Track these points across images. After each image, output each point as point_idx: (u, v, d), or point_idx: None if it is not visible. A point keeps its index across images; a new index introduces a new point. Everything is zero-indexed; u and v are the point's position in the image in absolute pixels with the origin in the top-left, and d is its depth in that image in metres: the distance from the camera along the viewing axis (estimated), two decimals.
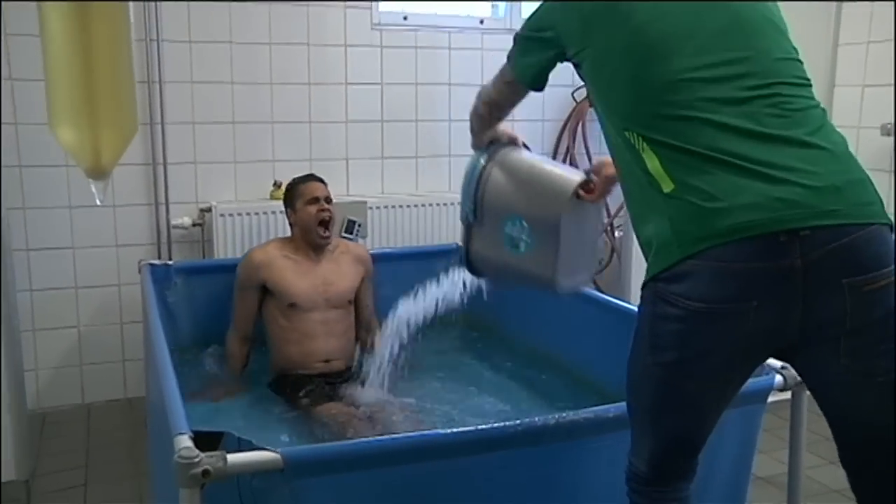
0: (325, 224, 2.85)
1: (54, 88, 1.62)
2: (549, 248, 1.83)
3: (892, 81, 3.09)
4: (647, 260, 1.44)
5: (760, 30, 1.46)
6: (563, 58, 1.64)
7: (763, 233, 1.27)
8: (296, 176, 2.98)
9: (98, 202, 1.75)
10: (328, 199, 2.88)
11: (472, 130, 2.08)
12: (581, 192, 1.90)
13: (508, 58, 1.79)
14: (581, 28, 1.53)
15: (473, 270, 2.06)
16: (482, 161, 2.00)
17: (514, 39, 1.77)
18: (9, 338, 2.41)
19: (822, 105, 1.49)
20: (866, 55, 3.29)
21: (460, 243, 3.51)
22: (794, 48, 1.52)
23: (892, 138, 3.15)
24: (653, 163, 1.38)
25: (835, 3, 3.33)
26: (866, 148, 3.29)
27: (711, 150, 1.33)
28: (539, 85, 1.78)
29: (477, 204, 1.95)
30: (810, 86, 1.48)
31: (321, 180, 2.95)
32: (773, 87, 1.39)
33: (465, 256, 2.02)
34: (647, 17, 1.43)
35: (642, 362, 1.43)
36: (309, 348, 2.82)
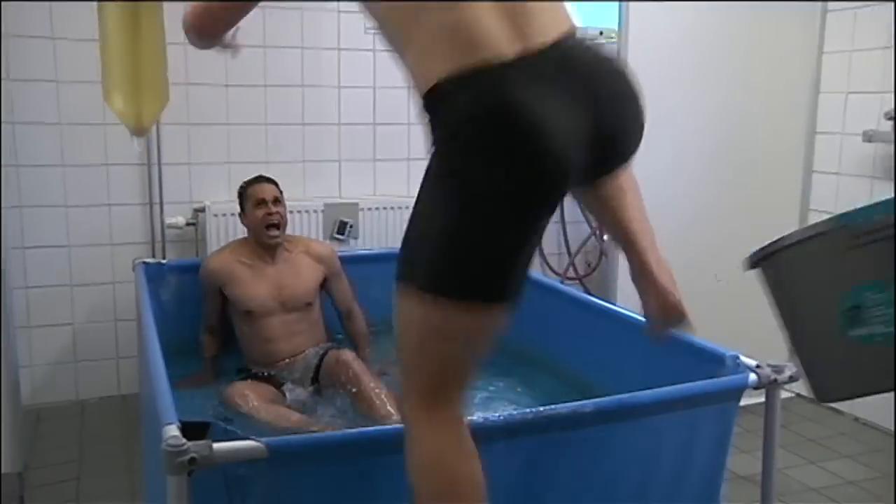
0: (274, 226, 2.89)
1: (109, 67, 2.23)
2: None
3: (893, 82, 3.14)
4: None
5: None
6: None
7: None
8: (247, 178, 3.04)
9: (137, 149, 2.54)
10: (276, 201, 2.92)
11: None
12: None
13: None
14: None
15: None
16: None
17: None
18: (4, 334, 2.45)
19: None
20: (850, 63, 3.34)
21: None
22: None
23: (873, 145, 3.20)
24: None
25: (819, 12, 3.39)
26: (849, 155, 3.35)
27: None
28: None
29: None
30: None
31: (271, 181, 2.99)
32: None
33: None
34: None
35: None
36: (270, 350, 2.87)
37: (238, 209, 3.02)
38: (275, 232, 2.89)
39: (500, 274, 1.26)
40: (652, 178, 3.15)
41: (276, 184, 2.99)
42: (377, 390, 2.61)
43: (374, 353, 3.09)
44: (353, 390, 2.63)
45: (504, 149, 1.20)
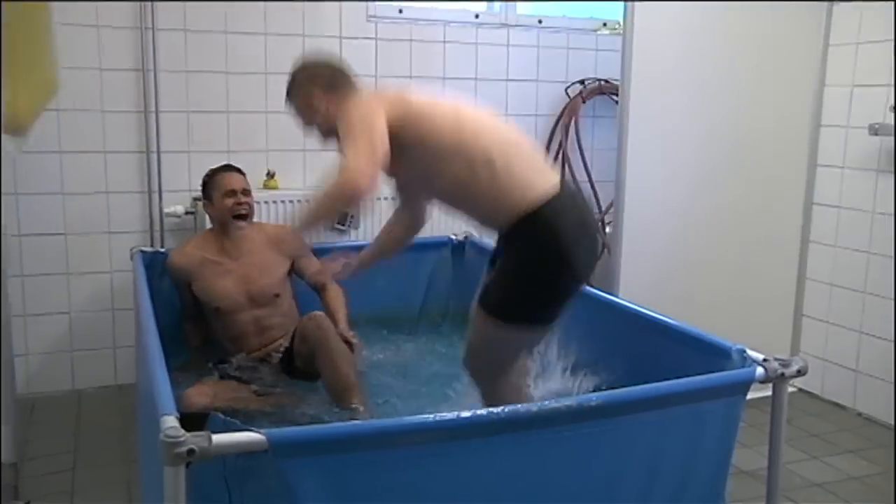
0: (242, 216, 2.85)
1: None
2: None
3: (892, 80, 3.12)
4: None
5: None
6: None
7: None
8: (214, 166, 3.00)
9: (13, 159, 1.74)
10: (245, 192, 2.87)
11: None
12: None
13: None
14: None
15: None
16: None
17: None
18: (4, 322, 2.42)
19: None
20: (856, 56, 3.31)
21: (452, 236, 3.58)
22: None
23: (879, 139, 3.17)
24: None
25: (825, 4, 3.36)
26: (854, 148, 3.32)
27: None
28: None
29: None
30: None
31: (239, 170, 2.94)
32: None
33: None
34: None
35: None
36: (242, 345, 2.85)
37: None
38: (242, 223, 2.85)
39: (542, 315, 2.13)
40: (655, 170, 3.17)
41: (244, 173, 2.95)
42: (342, 352, 2.58)
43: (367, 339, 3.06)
44: (320, 349, 2.57)
45: (554, 259, 2.04)
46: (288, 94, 2.34)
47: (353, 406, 2.51)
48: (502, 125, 2.21)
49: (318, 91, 2.24)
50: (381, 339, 3.25)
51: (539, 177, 2.08)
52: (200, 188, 3.01)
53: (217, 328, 2.89)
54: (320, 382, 2.65)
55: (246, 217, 2.86)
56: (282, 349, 2.84)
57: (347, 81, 2.28)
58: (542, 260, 2.02)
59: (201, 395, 2.53)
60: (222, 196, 2.85)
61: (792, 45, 3.35)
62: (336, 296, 3.03)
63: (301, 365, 2.73)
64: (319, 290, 3.05)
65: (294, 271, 3.02)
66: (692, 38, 3.15)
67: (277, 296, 2.90)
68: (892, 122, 3.07)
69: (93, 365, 3.46)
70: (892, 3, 3.09)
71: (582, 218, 2.09)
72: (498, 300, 2.07)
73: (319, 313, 2.72)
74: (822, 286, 3.49)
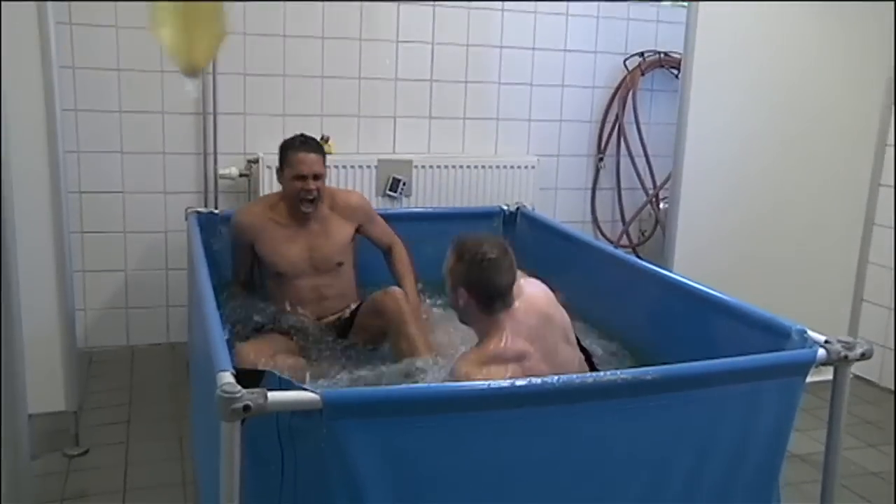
0: (309, 201, 2.76)
1: None
2: None
3: (892, 81, 2.99)
4: None
5: None
6: None
7: None
8: (294, 135, 2.84)
9: (193, 94, 2.12)
10: (316, 176, 2.74)
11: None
12: None
13: None
14: None
15: None
16: None
17: None
18: (61, 275, 2.47)
19: None
20: None
21: (504, 206, 3.55)
22: None
23: None
24: None
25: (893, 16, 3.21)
26: None
27: None
28: None
29: None
30: None
31: (315, 148, 2.79)
32: None
33: None
34: None
35: None
36: (298, 311, 2.83)
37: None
38: (308, 208, 2.77)
39: None
40: (715, 146, 3.09)
41: (321, 149, 2.81)
42: (421, 333, 2.57)
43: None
44: (396, 328, 2.57)
45: None
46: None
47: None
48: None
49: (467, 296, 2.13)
50: (435, 306, 3.23)
51: None
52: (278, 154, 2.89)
53: (275, 293, 2.89)
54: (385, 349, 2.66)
55: (313, 202, 2.77)
56: (339, 322, 2.84)
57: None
58: None
59: (259, 352, 2.55)
60: (292, 178, 2.75)
61: (865, 23, 3.22)
62: (402, 258, 2.99)
63: (365, 337, 2.72)
64: (386, 251, 3.01)
65: (360, 234, 2.96)
66: (760, 13, 3.05)
67: (340, 264, 2.87)
68: None
69: (146, 322, 3.54)
70: (892, 3, 2.97)
71: None
72: None
73: (398, 291, 2.69)
74: (883, 270, 3.38)
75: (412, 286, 2.92)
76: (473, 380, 1.91)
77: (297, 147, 2.77)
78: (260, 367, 2.41)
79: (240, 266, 2.97)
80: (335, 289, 2.87)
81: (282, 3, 3.43)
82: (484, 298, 2.08)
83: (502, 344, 2.05)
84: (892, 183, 3.34)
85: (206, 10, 1.97)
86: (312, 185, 2.74)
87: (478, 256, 2.08)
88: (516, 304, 2.13)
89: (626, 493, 1.66)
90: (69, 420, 2.58)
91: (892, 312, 3.37)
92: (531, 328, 2.11)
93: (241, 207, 3.01)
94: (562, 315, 2.25)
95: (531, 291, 2.21)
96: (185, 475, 2.51)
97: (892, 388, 3.32)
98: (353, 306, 2.85)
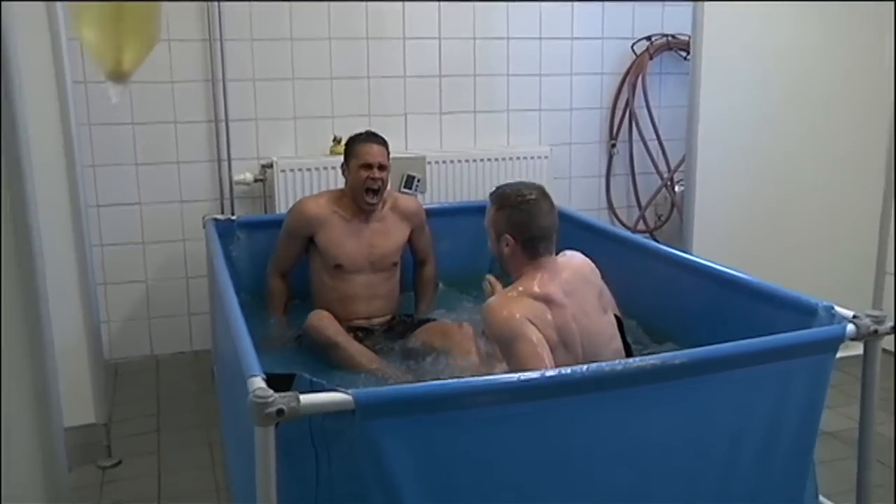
0: (373, 192, 2.81)
1: None
2: None
3: (892, 83, 2.96)
4: None
5: None
6: None
7: None
8: (358, 131, 2.94)
9: (113, 101, 1.83)
10: (381, 167, 2.81)
11: None
12: None
13: None
14: None
15: None
16: None
17: None
18: (85, 288, 2.49)
19: None
20: None
21: None
22: None
23: None
24: None
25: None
26: None
27: None
28: None
29: None
30: None
31: (381, 142, 2.87)
32: None
33: None
34: None
35: None
36: (351, 308, 2.85)
37: (342, 160, 2.92)
38: (373, 199, 2.82)
39: None
40: (729, 127, 3.07)
41: (386, 143, 2.88)
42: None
43: (437, 304, 3.10)
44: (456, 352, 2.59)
45: None
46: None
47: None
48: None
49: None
50: (453, 300, 3.23)
51: None
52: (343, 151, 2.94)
53: (328, 288, 2.88)
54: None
55: (377, 192, 2.82)
56: (394, 324, 2.88)
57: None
58: None
59: (332, 321, 2.65)
60: (358, 167, 2.80)
61: (880, 4, 3.18)
62: (431, 277, 3.13)
63: (421, 349, 2.73)
64: (420, 263, 3.11)
65: (410, 240, 3.02)
66: (763, 46, 3.03)
67: (395, 264, 2.94)
68: None
69: (169, 331, 3.55)
70: (893, 5, 2.93)
71: None
72: None
73: (471, 328, 2.68)
74: None
75: (431, 302, 3.07)
76: (497, 310, 2.03)
77: (364, 139, 2.87)
78: (332, 337, 2.62)
79: (285, 257, 2.96)
80: (386, 288, 2.92)
81: (286, 5, 3.43)
82: (527, 240, 2.11)
83: (534, 283, 2.09)
84: None
85: (138, 12, 1.81)
86: (378, 174, 2.80)
87: (518, 199, 2.13)
88: (558, 258, 2.18)
89: (663, 480, 1.65)
90: (100, 432, 2.60)
91: None
92: (566, 281, 2.13)
93: (304, 198, 3.01)
94: (601, 285, 2.27)
95: (572, 254, 2.27)
96: (217, 482, 2.53)
97: None
98: (404, 316, 2.93)
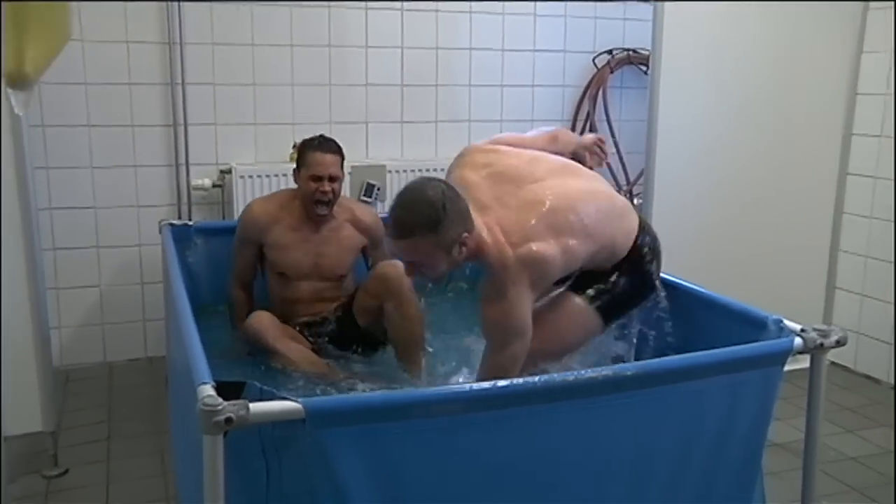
0: (323, 203, 2.72)
1: None
2: None
3: (893, 86, 3.04)
4: None
5: None
6: None
7: None
8: (312, 136, 2.79)
9: (19, 113, 1.64)
10: (332, 178, 2.70)
11: None
12: None
13: None
14: None
15: None
16: None
17: None
18: (34, 293, 2.44)
19: None
20: (890, 64, 3.23)
21: None
22: None
23: None
24: None
25: (860, 9, 3.27)
26: (885, 156, 3.26)
27: None
28: None
29: None
30: None
31: (335, 149, 2.74)
32: None
33: None
34: None
35: None
36: (294, 310, 2.81)
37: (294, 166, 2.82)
38: (323, 210, 2.73)
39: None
40: (686, 141, 3.12)
41: (339, 150, 2.75)
42: (416, 307, 2.61)
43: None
44: (397, 300, 2.59)
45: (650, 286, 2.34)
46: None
47: (415, 363, 2.59)
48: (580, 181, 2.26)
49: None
50: None
51: (626, 222, 2.25)
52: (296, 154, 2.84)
53: (274, 289, 2.84)
54: (381, 350, 2.70)
55: (327, 204, 2.72)
56: (337, 314, 2.80)
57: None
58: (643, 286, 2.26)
59: (271, 324, 2.61)
60: (308, 178, 2.69)
61: (824, 52, 3.28)
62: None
63: (366, 320, 2.69)
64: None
65: (362, 252, 2.93)
66: (726, 7, 3.08)
67: (343, 277, 2.85)
68: None
69: (123, 338, 3.50)
70: (894, 5, 3.02)
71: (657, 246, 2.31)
72: (606, 303, 2.22)
73: (399, 263, 2.54)
74: (856, 258, 3.43)
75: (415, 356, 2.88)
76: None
77: (315, 147, 2.72)
78: (271, 343, 2.58)
79: (244, 266, 2.88)
80: (333, 293, 2.83)
81: (248, 9, 3.41)
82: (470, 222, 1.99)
83: (523, 231, 2.02)
84: (861, 172, 3.39)
85: (41, 11, 1.63)
86: (328, 186, 2.69)
87: (438, 204, 1.93)
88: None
89: (611, 490, 1.66)
90: (47, 440, 2.54)
91: (866, 299, 3.42)
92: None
93: (255, 200, 2.91)
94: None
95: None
96: (167, 490, 2.49)
97: (871, 374, 3.36)
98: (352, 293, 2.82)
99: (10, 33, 1.54)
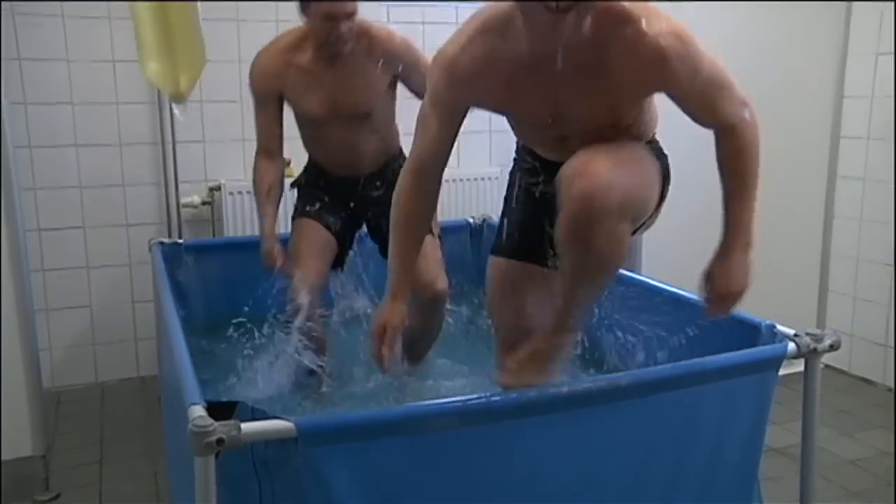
0: (338, 51, 2.41)
1: (141, 35, 2.28)
2: None
3: (893, 87, 3.07)
4: None
5: None
6: None
7: None
8: None
9: (181, 118, 2.54)
10: (349, 14, 2.33)
11: None
12: None
13: None
14: None
15: None
16: None
17: None
18: (23, 314, 2.42)
19: None
20: (875, 65, 3.25)
21: (470, 219, 3.54)
22: None
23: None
24: None
25: (844, 12, 3.29)
26: (879, 114, 3.25)
27: None
28: None
29: None
30: None
31: None
32: None
33: None
34: None
35: None
36: (327, 156, 2.64)
37: None
38: (342, 47, 2.39)
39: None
40: (675, 144, 3.11)
41: None
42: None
43: None
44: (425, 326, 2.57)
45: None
46: None
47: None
48: None
49: None
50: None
51: None
52: None
53: (303, 137, 2.68)
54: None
55: (346, 43, 2.37)
56: (375, 184, 2.63)
57: None
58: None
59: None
60: (320, 17, 2.33)
61: (810, 54, 3.29)
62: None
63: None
64: None
65: (400, 81, 2.57)
66: (711, 11, 3.09)
67: (368, 114, 2.51)
68: None
69: (115, 357, 3.47)
70: (893, 2, 3.04)
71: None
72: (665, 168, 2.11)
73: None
74: (848, 260, 3.44)
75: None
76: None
77: None
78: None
79: (267, 128, 2.61)
80: (368, 144, 2.57)
81: (234, 25, 3.40)
82: None
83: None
84: (850, 174, 3.40)
85: (187, 39, 2.24)
86: (345, 27, 2.34)
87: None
88: None
89: (607, 500, 1.65)
90: (37, 464, 2.50)
91: (858, 301, 3.43)
92: None
93: (260, 52, 2.61)
94: None
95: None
96: None
97: (866, 377, 3.36)
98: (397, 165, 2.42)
99: (167, 65, 2.25)
